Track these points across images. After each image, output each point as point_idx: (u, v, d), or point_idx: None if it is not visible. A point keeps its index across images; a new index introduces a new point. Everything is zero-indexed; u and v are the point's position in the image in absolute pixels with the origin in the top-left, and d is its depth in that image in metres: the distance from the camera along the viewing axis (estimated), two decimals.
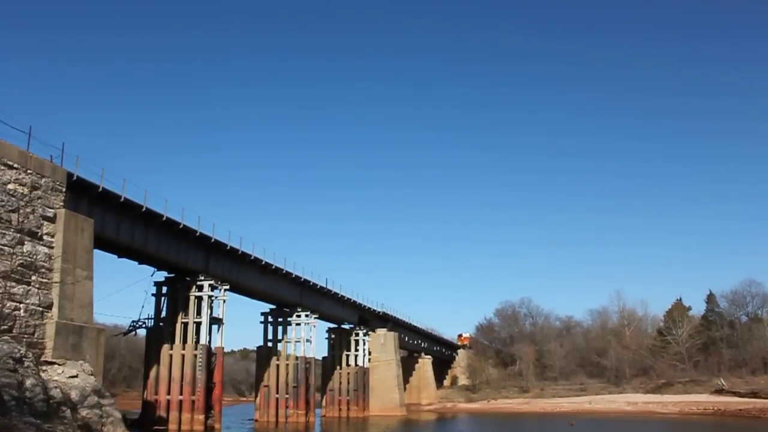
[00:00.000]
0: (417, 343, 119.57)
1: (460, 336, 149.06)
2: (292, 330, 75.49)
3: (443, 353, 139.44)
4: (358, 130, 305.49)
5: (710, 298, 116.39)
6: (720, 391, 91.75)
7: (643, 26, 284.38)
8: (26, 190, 30.93)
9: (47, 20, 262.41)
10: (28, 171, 31.29)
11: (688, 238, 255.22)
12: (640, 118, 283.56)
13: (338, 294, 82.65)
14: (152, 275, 56.10)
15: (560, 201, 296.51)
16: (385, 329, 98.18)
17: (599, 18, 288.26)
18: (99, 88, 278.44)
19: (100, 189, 41.18)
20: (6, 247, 28.92)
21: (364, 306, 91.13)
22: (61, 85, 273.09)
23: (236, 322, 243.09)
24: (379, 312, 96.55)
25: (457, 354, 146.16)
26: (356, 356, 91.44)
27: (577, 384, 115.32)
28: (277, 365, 73.86)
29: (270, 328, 76.12)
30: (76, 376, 29.38)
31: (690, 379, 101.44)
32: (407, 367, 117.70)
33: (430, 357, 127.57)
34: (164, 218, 48.36)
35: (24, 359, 26.55)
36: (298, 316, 74.97)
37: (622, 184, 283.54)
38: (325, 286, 78.97)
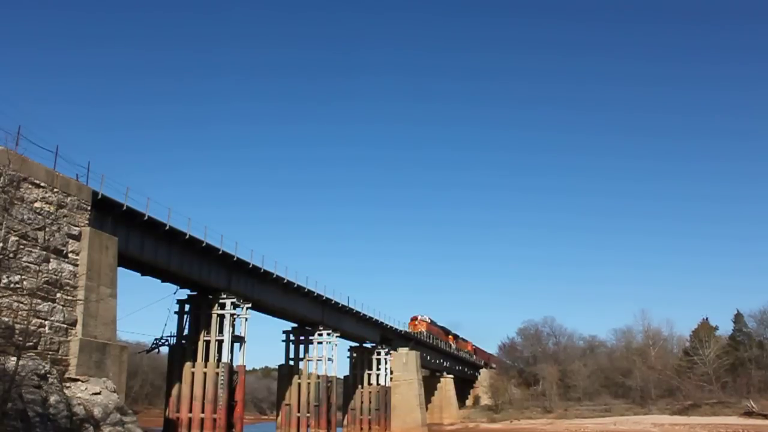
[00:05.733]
0: (439, 363, 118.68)
1: (413, 320, 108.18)
2: (313, 348, 75.37)
3: (465, 373, 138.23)
4: (382, 150, 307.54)
5: (737, 318, 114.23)
6: (749, 414, 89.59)
7: (652, 46, 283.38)
8: (52, 209, 31.36)
9: (72, 38, 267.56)
10: (55, 190, 31.76)
11: (713, 258, 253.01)
12: (667, 137, 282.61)
13: (360, 312, 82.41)
14: (175, 293, 56.52)
15: (583, 221, 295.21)
16: (407, 348, 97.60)
17: (605, 37, 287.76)
18: (122, 104, 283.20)
19: (125, 207, 41.57)
20: (32, 265, 29.29)
21: (386, 325, 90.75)
22: (88, 101, 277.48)
23: (258, 340, 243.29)
24: (401, 331, 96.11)
25: (479, 374, 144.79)
26: (378, 375, 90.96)
27: (601, 404, 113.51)
28: (299, 384, 73.71)
29: (292, 347, 76.11)
30: (99, 393, 29.56)
31: (718, 400, 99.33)
32: (429, 386, 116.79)
33: (452, 376, 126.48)
34: (187, 236, 48.68)
35: (48, 376, 26.79)
36: (320, 335, 74.80)
37: (647, 205, 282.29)
38: (346, 304, 78.84)
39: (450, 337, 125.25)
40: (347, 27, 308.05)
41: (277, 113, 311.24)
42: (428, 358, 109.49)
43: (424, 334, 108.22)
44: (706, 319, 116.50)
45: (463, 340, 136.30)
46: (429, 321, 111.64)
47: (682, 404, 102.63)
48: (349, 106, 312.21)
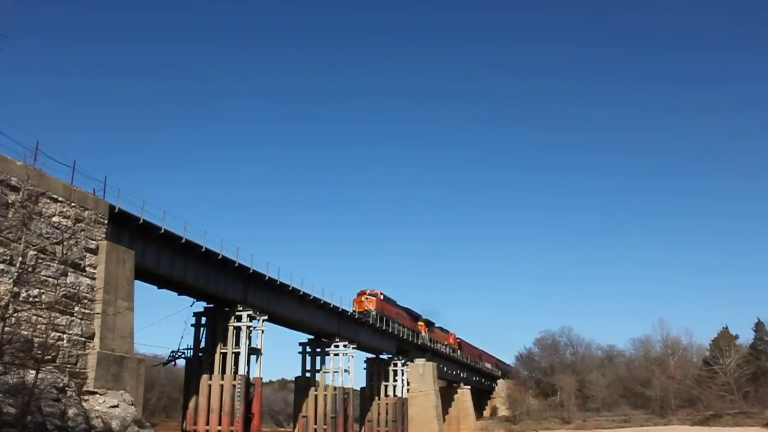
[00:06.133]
0: (456, 374, 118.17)
1: (360, 295, 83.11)
2: (330, 360, 75.27)
3: (483, 383, 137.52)
4: (398, 170, 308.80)
5: (758, 327, 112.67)
6: None
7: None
8: (70, 223, 31.66)
9: (86, 64, 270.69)
10: (72, 204, 32.06)
11: (732, 267, 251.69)
12: (683, 156, 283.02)
13: (376, 324, 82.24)
14: (191, 306, 56.53)
15: (601, 235, 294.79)
16: (423, 359, 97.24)
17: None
18: (137, 127, 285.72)
19: (141, 221, 41.70)
20: (50, 279, 29.55)
21: (403, 336, 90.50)
22: (105, 125, 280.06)
23: (274, 352, 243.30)
24: (417, 342, 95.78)
25: (496, 384, 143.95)
26: (395, 387, 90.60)
27: (620, 415, 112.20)
28: (316, 396, 73.55)
29: (308, 359, 76.00)
30: (116, 406, 29.69)
31: (740, 410, 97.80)
32: (446, 397, 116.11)
33: (469, 387, 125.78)
34: (203, 249, 48.80)
35: (67, 389, 26.96)
36: (336, 347, 74.76)
37: (665, 221, 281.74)
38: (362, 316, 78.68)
39: (420, 324, 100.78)
40: (351, 53, 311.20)
41: (276, 133, 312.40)
42: (445, 369, 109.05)
43: (373, 314, 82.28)
44: (726, 327, 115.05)
45: (443, 330, 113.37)
46: (382, 297, 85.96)
47: (702, 414, 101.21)
48: (350, 128, 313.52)
